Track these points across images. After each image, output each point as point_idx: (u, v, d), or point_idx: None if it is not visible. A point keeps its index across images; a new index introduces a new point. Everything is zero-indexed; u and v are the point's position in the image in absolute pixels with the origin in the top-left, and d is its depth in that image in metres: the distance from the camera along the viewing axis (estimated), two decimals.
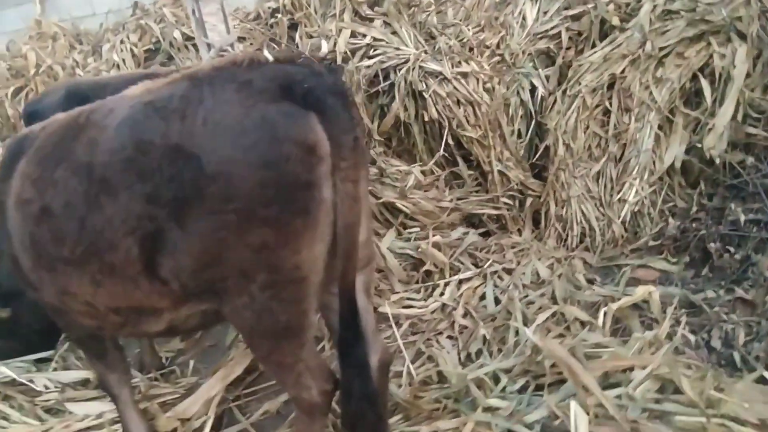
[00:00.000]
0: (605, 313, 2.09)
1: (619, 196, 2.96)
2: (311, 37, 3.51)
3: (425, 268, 2.74)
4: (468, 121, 3.20)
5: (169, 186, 1.19)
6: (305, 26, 3.59)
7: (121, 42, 4.02)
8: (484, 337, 2.33)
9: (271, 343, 1.37)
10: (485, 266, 2.83)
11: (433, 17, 3.41)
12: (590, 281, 2.67)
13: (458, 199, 3.26)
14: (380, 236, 2.89)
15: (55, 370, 2.43)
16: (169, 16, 3.94)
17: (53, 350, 2.45)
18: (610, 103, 3.03)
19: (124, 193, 1.23)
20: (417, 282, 2.80)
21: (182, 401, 2.12)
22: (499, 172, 3.26)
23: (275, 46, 3.71)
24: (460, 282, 2.77)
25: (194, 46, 3.88)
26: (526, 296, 2.57)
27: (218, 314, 1.43)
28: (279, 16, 3.64)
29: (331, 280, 1.42)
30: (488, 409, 1.72)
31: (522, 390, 1.80)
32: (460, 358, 2.27)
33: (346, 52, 3.25)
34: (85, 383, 2.36)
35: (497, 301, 2.61)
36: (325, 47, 3.23)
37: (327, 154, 1.23)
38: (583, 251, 2.99)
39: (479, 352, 2.20)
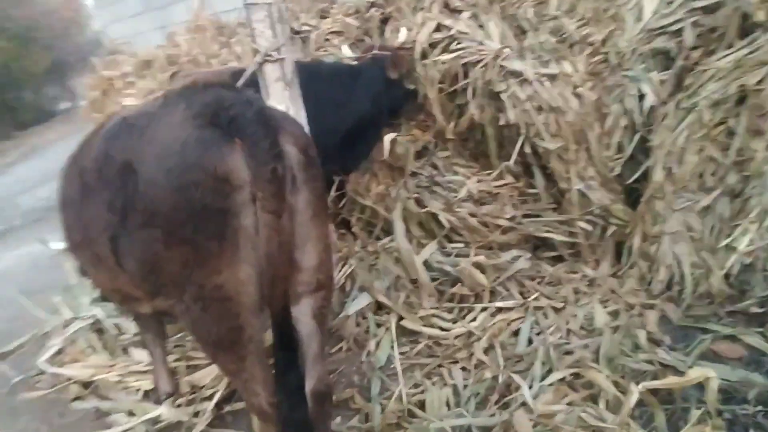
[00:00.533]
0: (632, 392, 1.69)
1: (727, 242, 2.33)
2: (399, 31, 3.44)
3: (457, 289, 2.56)
4: (548, 130, 2.82)
5: (118, 197, 1.33)
6: (396, 20, 3.52)
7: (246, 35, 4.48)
8: (495, 379, 2.10)
9: (211, 350, 1.46)
10: (530, 298, 2.52)
11: (527, 9, 3.03)
12: (656, 342, 2.19)
13: (525, 216, 2.93)
14: (422, 246, 2.78)
15: None
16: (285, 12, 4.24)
17: None
18: (737, 122, 2.36)
19: (96, 198, 1.42)
20: (451, 301, 2.63)
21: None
22: (579, 191, 2.82)
23: (369, 38, 3.74)
24: (499, 310, 2.52)
25: (302, 38, 4.15)
26: (566, 344, 2.23)
27: None
28: (372, 10, 3.64)
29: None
30: None
31: None
32: (460, 397, 2.09)
33: (425, 46, 3.10)
34: None
35: (530, 342, 2.32)
36: (402, 36, 3.12)
37: (245, 183, 1.23)
38: (667, 302, 2.44)
39: (474, 397, 2.00)
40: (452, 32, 3.03)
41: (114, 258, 1.46)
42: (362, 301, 2.64)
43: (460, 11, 3.22)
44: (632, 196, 2.91)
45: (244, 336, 1.42)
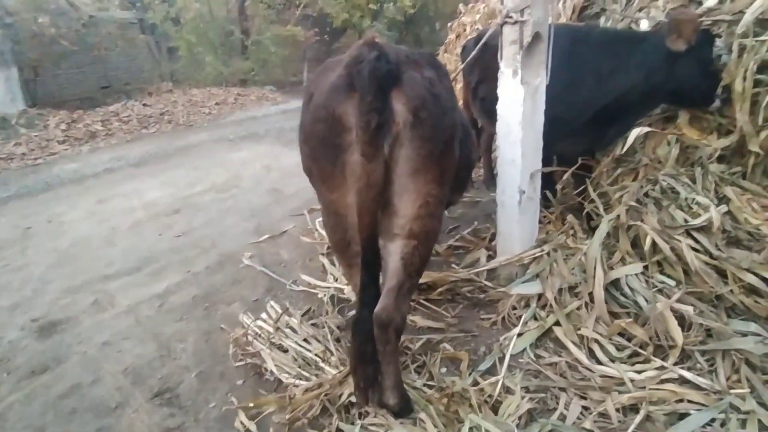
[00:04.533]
0: None
1: None
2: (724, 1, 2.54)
3: (630, 327, 2.07)
4: None
5: (301, 117, 1.81)
6: None
7: None
8: None
9: (333, 249, 1.88)
10: (737, 391, 1.81)
11: None
12: None
13: None
14: (625, 263, 2.32)
15: None
16: None
17: None
18: None
19: (302, 116, 1.94)
20: (628, 339, 2.17)
21: None
22: None
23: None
24: (681, 381, 1.94)
25: None
26: None
27: None
28: None
29: (382, 233, 1.69)
30: None
31: None
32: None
33: (752, 19, 2.24)
34: None
35: None
36: (711, 1, 2.32)
37: (353, 127, 1.47)
38: None
39: None
40: None
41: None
42: (531, 288, 2.53)
43: None
44: None
45: (351, 249, 1.76)
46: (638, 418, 1.81)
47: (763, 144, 2.31)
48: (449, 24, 7.45)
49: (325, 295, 2.92)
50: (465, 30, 6.73)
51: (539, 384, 2.07)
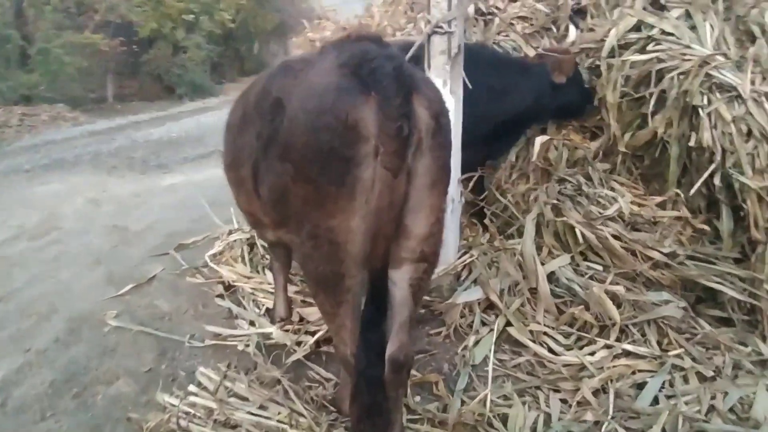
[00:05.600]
0: None
1: None
2: (592, 30, 3.09)
3: (580, 312, 2.27)
4: (752, 163, 2.28)
5: (266, 128, 1.47)
6: (591, 15, 3.18)
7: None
8: (598, 426, 1.83)
9: (314, 287, 1.55)
10: (672, 353, 2.12)
11: (764, 11, 2.43)
12: None
13: (692, 258, 2.44)
14: (552, 257, 2.53)
15: None
16: None
17: None
18: None
19: (250, 126, 1.60)
20: (571, 326, 2.36)
21: None
22: None
23: (554, 28, 3.46)
24: (626, 354, 2.17)
25: (485, 21, 4.04)
26: (705, 422, 1.81)
27: None
28: None
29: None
30: None
31: None
32: (551, 427, 1.88)
33: (614, 44, 2.75)
34: None
35: (655, 403, 1.95)
36: (572, 36, 2.84)
37: (371, 135, 1.24)
38: None
39: None
40: (653, 32, 2.61)
41: (253, 182, 1.64)
42: (474, 294, 2.54)
43: (669, 8, 2.75)
44: None
45: (344, 284, 1.46)
46: (611, 397, 1.96)
47: (628, 144, 2.80)
48: (293, 38, 7.30)
49: (248, 345, 2.43)
50: (314, 46, 6.68)
51: (515, 388, 2.08)
